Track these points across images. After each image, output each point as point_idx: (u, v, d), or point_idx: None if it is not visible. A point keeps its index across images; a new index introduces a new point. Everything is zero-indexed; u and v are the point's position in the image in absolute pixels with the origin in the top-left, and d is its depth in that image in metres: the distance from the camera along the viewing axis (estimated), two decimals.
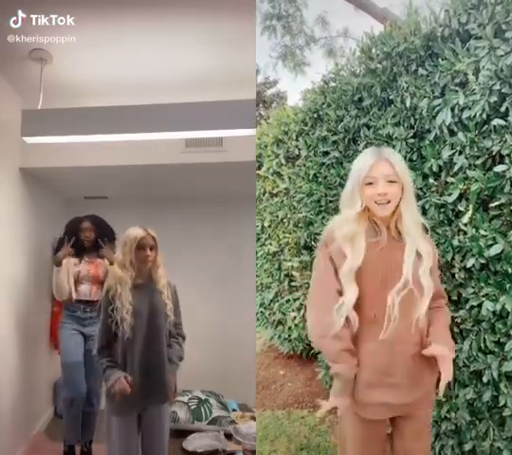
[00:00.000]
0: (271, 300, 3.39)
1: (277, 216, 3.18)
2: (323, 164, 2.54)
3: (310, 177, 2.67)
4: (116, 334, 1.98)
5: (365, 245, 1.37)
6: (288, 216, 3.04)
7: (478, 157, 1.58)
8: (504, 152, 1.48)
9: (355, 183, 1.40)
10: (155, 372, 2.01)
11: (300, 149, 2.80)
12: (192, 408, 3.13)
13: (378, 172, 1.37)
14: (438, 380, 1.40)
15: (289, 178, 2.98)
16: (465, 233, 1.65)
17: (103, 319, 1.99)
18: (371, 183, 1.38)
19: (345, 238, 1.38)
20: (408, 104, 1.84)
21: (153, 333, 2.02)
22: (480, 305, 1.59)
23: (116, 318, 1.95)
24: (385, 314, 1.36)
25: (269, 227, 3.32)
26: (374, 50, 2.11)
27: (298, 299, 3.03)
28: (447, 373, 1.36)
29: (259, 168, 3.32)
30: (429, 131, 1.78)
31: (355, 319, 1.38)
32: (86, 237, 2.93)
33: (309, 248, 2.86)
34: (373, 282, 1.37)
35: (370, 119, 2.12)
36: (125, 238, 2.04)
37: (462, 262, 1.66)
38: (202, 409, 3.12)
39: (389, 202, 1.37)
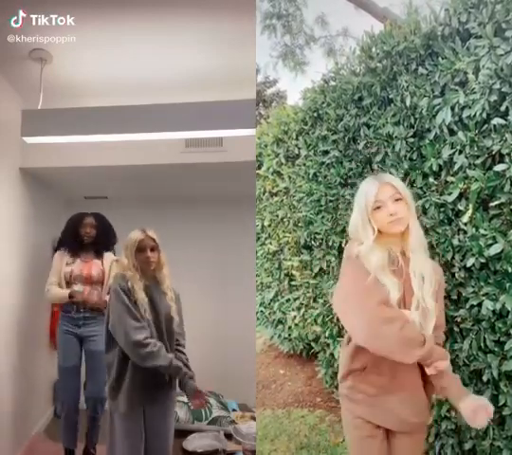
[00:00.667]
0: (271, 300, 3.39)
1: (277, 215, 3.18)
2: (323, 163, 2.54)
3: (310, 176, 2.68)
4: None
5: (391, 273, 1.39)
6: (288, 215, 3.04)
7: (478, 157, 1.58)
8: (504, 151, 1.48)
9: (363, 211, 1.43)
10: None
11: (299, 148, 2.80)
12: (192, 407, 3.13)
13: (384, 194, 1.42)
14: None
15: (289, 177, 2.98)
16: (465, 232, 1.65)
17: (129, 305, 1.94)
18: (379, 207, 1.42)
19: (377, 267, 1.38)
20: (408, 103, 1.83)
21: (156, 332, 2.02)
22: (480, 304, 1.59)
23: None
24: None
25: (269, 226, 3.32)
26: (374, 49, 2.10)
27: (298, 298, 3.03)
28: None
29: (259, 167, 3.32)
30: (429, 130, 1.78)
31: None
32: (87, 233, 2.84)
33: (309, 248, 2.86)
34: (397, 305, 1.39)
35: (370, 118, 2.12)
36: (126, 242, 2.06)
37: (462, 261, 1.66)
38: (202, 409, 3.11)
39: (401, 218, 1.41)
